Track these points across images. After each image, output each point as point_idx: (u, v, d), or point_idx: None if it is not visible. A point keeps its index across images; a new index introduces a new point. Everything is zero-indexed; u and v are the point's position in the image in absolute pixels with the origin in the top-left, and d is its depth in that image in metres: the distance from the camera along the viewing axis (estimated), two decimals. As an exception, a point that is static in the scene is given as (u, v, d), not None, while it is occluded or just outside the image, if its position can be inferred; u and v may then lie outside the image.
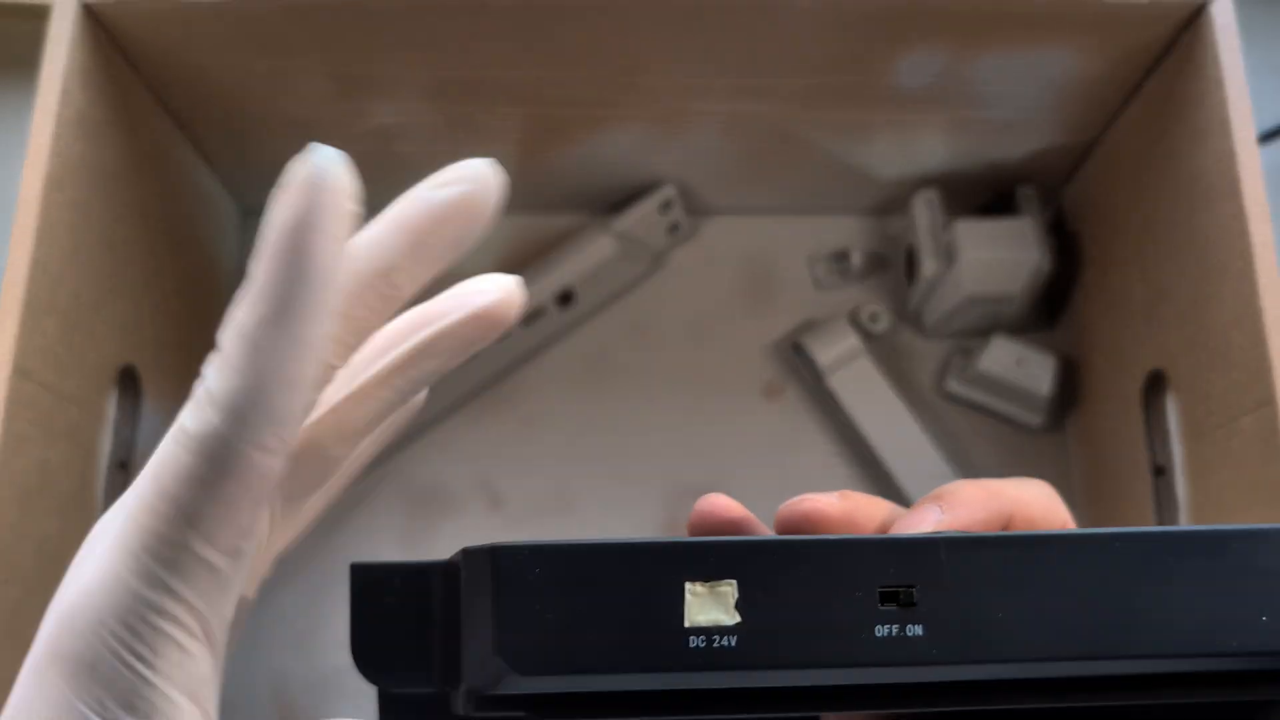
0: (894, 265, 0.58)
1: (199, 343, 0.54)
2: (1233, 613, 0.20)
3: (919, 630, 0.20)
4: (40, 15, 0.40)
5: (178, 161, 0.50)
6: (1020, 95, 0.48)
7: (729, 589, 0.20)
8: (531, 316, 0.55)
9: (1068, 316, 0.57)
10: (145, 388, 0.47)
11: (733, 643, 0.20)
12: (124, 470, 0.46)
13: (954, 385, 0.56)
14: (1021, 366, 0.54)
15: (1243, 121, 0.40)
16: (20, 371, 0.37)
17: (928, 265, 0.53)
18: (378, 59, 0.45)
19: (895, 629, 0.20)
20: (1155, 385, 0.48)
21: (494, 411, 0.57)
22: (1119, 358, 0.51)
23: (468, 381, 0.55)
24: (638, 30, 0.44)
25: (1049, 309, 0.57)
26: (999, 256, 0.52)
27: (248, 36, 0.43)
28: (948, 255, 0.53)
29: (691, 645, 0.20)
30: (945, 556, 0.20)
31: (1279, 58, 0.59)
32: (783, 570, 0.20)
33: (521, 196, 0.59)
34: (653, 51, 0.45)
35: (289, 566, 0.55)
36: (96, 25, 0.42)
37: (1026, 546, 0.21)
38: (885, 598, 0.20)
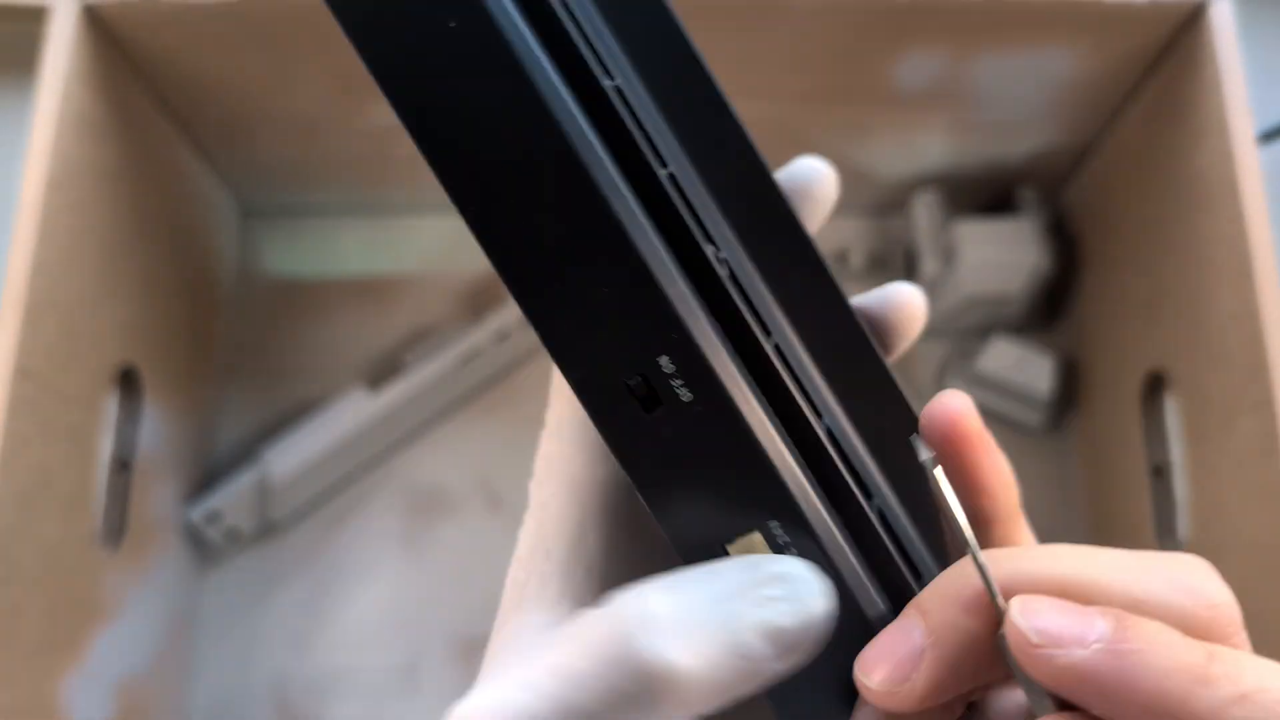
0: (894, 265, 0.58)
1: (199, 343, 0.54)
2: None
3: None
4: (40, 16, 0.40)
5: (178, 161, 0.50)
6: (1020, 95, 0.48)
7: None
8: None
9: (1068, 316, 0.57)
10: (145, 388, 0.47)
11: None
12: (124, 470, 0.46)
13: (954, 385, 0.56)
14: (1021, 366, 0.54)
15: (1241, 122, 0.41)
16: (20, 371, 0.37)
17: (928, 265, 0.53)
18: (378, 59, 0.45)
19: None
20: (1155, 385, 0.48)
21: (494, 411, 0.57)
22: (1119, 358, 0.51)
23: (468, 381, 0.55)
24: (637, 30, 0.44)
25: (1049, 309, 0.57)
26: (999, 256, 0.52)
27: (248, 36, 0.43)
28: (948, 255, 0.53)
29: None
30: None
31: (1278, 58, 0.59)
32: None
33: (521, 196, 0.59)
34: (652, 52, 0.45)
35: (289, 567, 0.55)
36: (97, 26, 0.42)
37: None
38: None
